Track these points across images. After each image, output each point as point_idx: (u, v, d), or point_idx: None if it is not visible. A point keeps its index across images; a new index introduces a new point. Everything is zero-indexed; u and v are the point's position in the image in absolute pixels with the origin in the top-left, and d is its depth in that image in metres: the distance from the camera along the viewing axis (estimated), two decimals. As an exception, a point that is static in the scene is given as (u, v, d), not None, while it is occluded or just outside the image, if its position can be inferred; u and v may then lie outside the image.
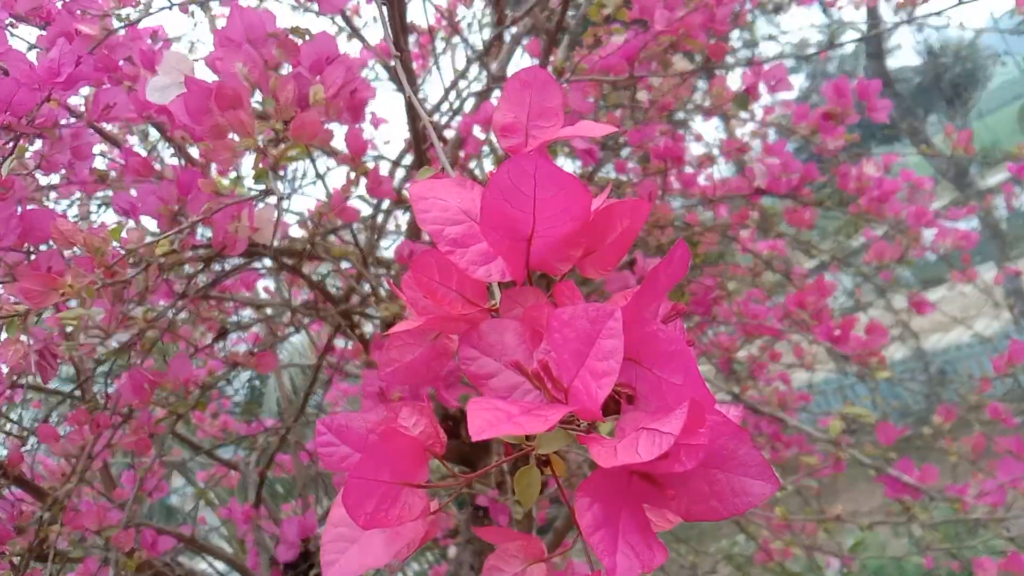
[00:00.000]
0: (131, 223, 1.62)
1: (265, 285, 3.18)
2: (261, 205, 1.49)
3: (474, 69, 3.17)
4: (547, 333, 0.42)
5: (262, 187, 1.10)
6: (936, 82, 13.63)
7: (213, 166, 1.67)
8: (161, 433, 1.88)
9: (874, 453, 1.89)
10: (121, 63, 1.59)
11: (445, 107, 2.91)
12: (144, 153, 2.30)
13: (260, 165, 1.09)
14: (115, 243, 1.22)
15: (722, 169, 3.91)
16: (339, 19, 2.89)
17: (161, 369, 1.84)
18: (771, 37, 2.49)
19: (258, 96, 1.20)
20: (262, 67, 1.23)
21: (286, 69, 1.34)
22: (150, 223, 1.55)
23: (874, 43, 9.63)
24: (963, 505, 1.71)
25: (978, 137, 2.71)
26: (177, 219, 1.48)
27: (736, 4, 1.92)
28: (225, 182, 1.46)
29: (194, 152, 1.75)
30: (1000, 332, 7.79)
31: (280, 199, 1.02)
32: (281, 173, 2.42)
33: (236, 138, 1.12)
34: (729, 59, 2.47)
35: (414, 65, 3.42)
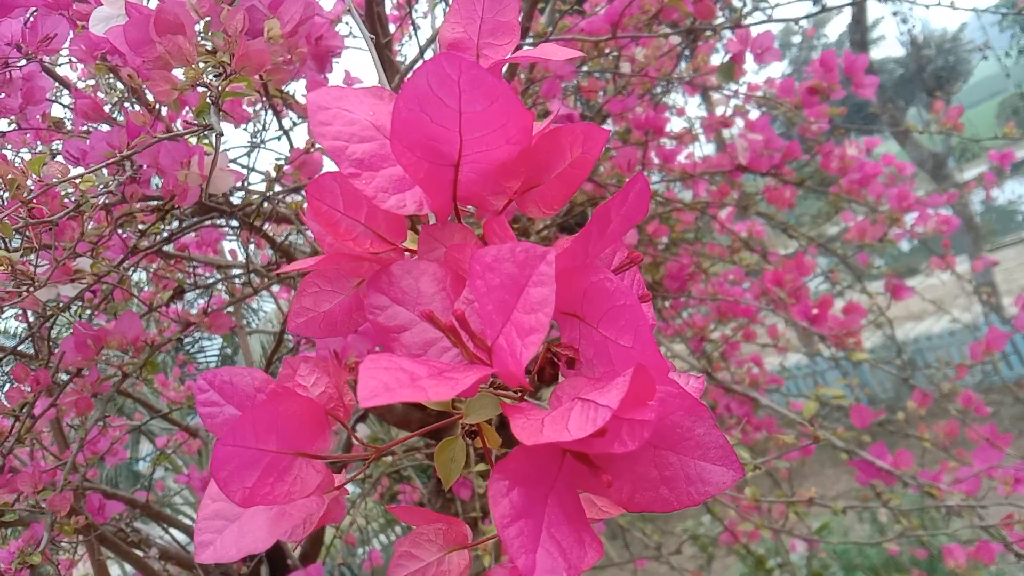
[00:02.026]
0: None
1: (232, 248, 3.08)
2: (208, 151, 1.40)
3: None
4: (469, 279, 0.34)
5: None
6: (919, 73, 13.63)
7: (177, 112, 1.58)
8: (106, 392, 1.79)
9: (848, 436, 1.83)
10: (78, 3, 1.50)
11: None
12: (111, 102, 2.19)
13: (208, 99, 1.00)
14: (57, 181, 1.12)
15: (703, 148, 3.83)
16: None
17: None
18: (756, 8, 2.40)
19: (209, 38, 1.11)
20: (212, -1, 1.14)
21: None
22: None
23: (858, 32, 9.59)
24: (938, 492, 1.66)
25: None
26: (124, 162, 1.39)
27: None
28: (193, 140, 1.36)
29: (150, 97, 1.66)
30: (971, 323, 7.84)
31: (219, 135, 0.93)
32: (244, 126, 2.32)
33: (181, 74, 1.03)
34: (713, 34, 2.39)
35: (392, 29, 3.30)
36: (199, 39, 1.11)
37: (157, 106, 1.60)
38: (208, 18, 1.11)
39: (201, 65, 0.97)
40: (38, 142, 2.10)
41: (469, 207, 0.41)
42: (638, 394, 0.31)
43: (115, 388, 1.77)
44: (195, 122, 0.95)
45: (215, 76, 0.98)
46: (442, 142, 0.36)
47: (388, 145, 0.38)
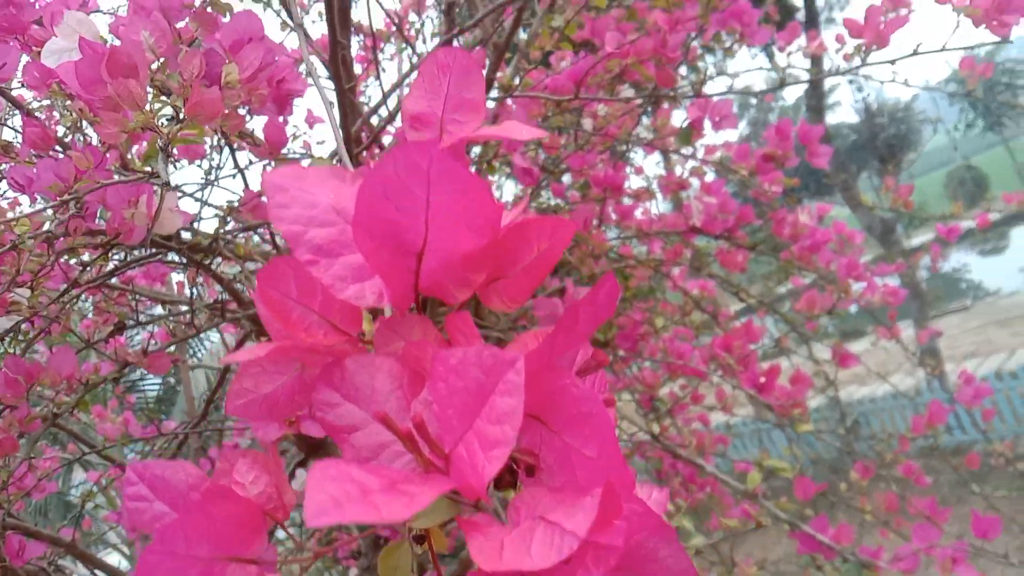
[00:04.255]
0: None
1: (180, 280, 3.00)
2: (157, 190, 1.36)
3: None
4: (429, 380, 0.32)
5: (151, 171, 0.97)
6: (871, 140, 14.11)
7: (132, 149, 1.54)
8: (35, 432, 1.71)
9: (790, 508, 1.84)
10: (36, 27, 1.46)
11: (384, 112, 2.80)
12: (65, 125, 2.13)
13: (157, 144, 0.97)
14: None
15: (660, 205, 3.89)
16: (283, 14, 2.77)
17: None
18: (719, 73, 2.45)
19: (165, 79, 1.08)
20: (171, 39, 1.11)
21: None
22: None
23: (814, 97, 9.88)
24: (876, 569, 1.67)
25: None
26: (68, 196, 1.35)
27: (688, 33, 1.86)
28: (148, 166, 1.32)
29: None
30: (913, 388, 8.02)
31: (165, 184, 0.90)
32: (197, 163, 2.27)
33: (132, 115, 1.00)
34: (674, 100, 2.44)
35: (358, 69, 3.31)
36: (153, 77, 1.08)
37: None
38: (164, 58, 1.08)
39: (153, 107, 0.94)
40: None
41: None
42: (604, 513, 0.29)
43: (44, 429, 1.70)
44: (142, 169, 0.91)
45: (167, 120, 0.95)
46: (406, 231, 0.34)
47: (349, 231, 0.35)
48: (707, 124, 2.38)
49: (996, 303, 13.09)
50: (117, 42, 1.25)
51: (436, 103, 0.49)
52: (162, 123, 0.99)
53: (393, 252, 0.35)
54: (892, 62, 1.51)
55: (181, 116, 0.94)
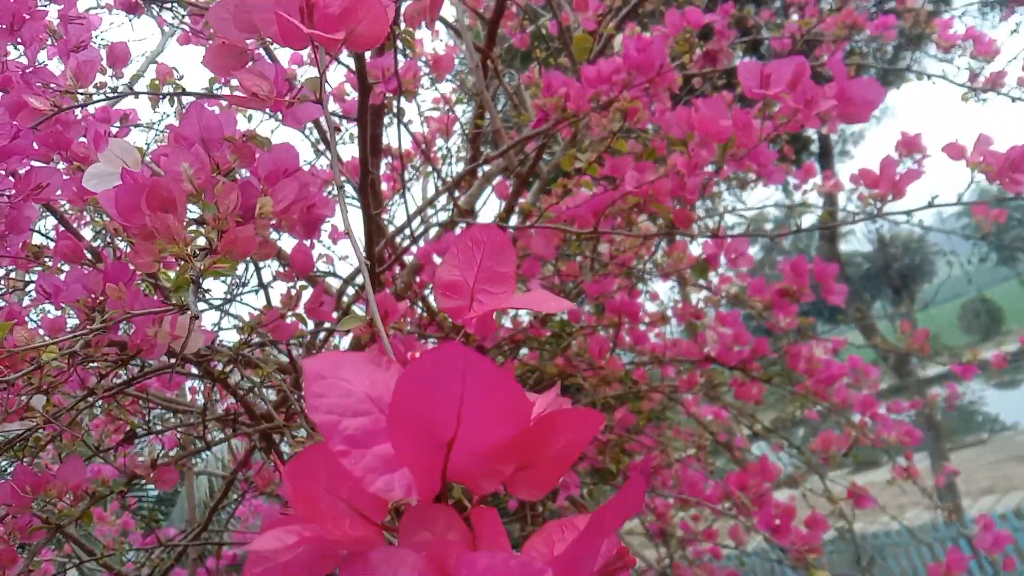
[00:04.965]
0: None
1: (192, 385, 3.01)
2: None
3: (443, 199, 3.15)
4: (454, 581, 0.32)
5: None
6: (884, 270, 14.21)
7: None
8: (36, 542, 1.69)
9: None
10: (81, 141, 1.52)
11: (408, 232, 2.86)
12: (91, 236, 2.19)
13: (186, 275, 0.99)
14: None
15: (674, 330, 3.90)
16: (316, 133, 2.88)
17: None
18: (734, 210, 2.51)
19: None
20: (210, 170, 1.15)
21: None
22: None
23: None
24: None
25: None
26: (94, 314, 1.37)
27: (706, 177, 1.91)
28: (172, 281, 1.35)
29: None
30: (930, 523, 7.78)
31: (194, 318, 0.92)
32: (222, 278, 2.32)
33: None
34: (692, 227, 2.48)
35: (384, 187, 3.40)
36: (189, 205, 1.12)
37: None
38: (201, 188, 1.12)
39: (190, 237, 0.97)
40: (13, 268, 2.09)
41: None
42: None
43: (46, 541, 1.67)
44: (172, 298, 0.93)
45: (199, 249, 0.98)
46: (438, 423, 0.35)
47: (382, 420, 0.36)
48: (722, 258, 2.42)
49: (1014, 438, 12.85)
50: (149, 161, 1.30)
51: (468, 273, 0.51)
52: (193, 250, 1.01)
53: (424, 443, 0.35)
54: (908, 213, 1.55)
55: (214, 247, 0.97)
